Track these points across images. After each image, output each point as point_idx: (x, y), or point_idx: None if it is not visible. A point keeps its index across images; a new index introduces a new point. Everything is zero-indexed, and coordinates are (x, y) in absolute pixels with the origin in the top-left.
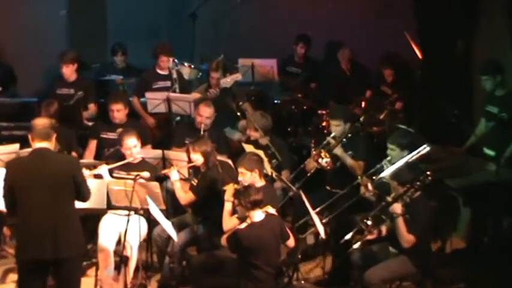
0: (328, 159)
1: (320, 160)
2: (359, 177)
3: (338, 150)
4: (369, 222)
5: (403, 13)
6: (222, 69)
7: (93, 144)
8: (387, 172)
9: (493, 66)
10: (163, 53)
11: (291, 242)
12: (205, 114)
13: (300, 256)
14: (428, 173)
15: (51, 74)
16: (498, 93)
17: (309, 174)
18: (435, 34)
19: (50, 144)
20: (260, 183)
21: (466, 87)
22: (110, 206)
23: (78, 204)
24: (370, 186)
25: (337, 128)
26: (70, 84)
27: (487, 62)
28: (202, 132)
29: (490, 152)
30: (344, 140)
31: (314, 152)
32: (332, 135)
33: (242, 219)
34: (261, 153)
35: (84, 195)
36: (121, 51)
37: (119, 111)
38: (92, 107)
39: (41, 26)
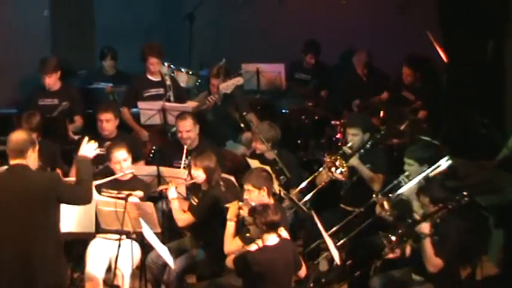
0: (344, 169)
1: (334, 170)
2: (373, 195)
3: (354, 161)
4: (393, 238)
5: (425, 10)
6: (223, 75)
7: None
8: (405, 189)
9: None
10: (152, 54)
11: (302, 272)
12: (184, 128)
13: (312, 284)
14: (465, 193)
15: (31, 82)
16: None
17: (320, 186)
18: (462, 33)
19: (26, 161)
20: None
21: (497, 94)
22: (99, 230)
23: (63, 228)
24: (386, 205)
25: (354, 137)
26: (53, 94)
27: None
28: (185, 149)
29: None
30: (361, 151)
31: (328, 160)
32: (349, 144)
33: (246, 241)
34: (267, 169)
35: (77, 198)
36: (110, 56)
37: (108, 122)
38: (78, 119)
39: (19, 28)
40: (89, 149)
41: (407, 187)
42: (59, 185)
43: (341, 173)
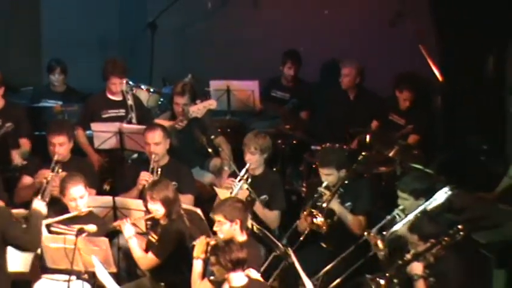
0: (322, 219)
1: (314, 220)
2: (365, 233)
3: (335, 205)
4: (382, 282)
5: (418, 21)
6: (189, 94)
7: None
8: (400, 225)
9: None
10: (114, 73)
11: None
12: (153, 140)
13: None
14: (460, 226)
15: None
16: None
17: (302, 238)
18: (460, 48)
19: None
20: (241, 237)
21: (498, 117)
22: (45, 269)
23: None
24: (380, 244)
25: (328, 177)
26: None
27: None
28: (152, 165)
29: None
30: (341, 189)
31: (305, 213)
32: (324, 184)
33: (217, 284)
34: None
35: (26, 245)
36: (60, 69)
37: (61, 146)
38: (25, 143)
39: None
40: (42, 205)
41: (403, 223)
42: (9, 221)
43: (321, 222)
